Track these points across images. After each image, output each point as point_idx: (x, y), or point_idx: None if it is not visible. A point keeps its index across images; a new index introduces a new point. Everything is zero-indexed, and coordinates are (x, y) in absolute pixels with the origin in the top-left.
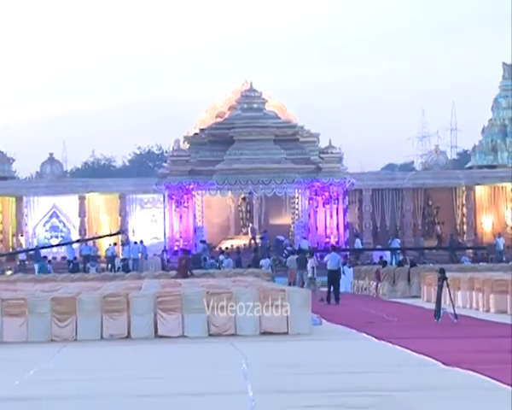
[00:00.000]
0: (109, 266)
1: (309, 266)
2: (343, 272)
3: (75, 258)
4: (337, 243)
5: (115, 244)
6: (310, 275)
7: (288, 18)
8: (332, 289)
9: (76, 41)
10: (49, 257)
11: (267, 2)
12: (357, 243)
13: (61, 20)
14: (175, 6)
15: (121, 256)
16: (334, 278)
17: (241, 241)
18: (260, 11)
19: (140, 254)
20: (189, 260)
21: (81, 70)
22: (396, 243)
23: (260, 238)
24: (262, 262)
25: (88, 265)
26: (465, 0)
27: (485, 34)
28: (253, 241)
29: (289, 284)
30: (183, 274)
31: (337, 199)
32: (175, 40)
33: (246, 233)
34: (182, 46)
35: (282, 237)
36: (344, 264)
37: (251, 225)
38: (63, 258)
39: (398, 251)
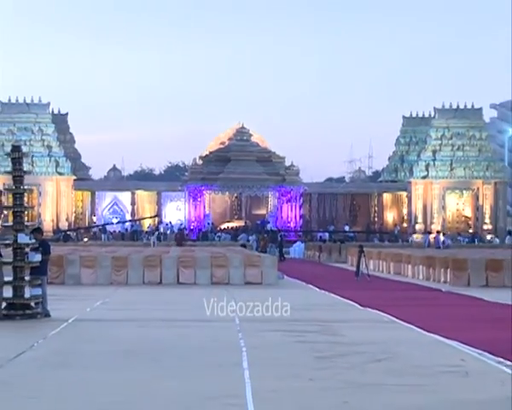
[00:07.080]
0: (149, 237)
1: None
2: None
3: (126, 230)
4: (294, 227)
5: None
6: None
7: (268, 77)
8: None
9: (135, 79)
10: (111, 230)
11: (258, 68)
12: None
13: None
14: (201, 68)
15: (161, 230)
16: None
17: (234, 224)
18: (252, 74)
19: (168, 231)
20: (182, 234)
21: (139, 104)
22: (331, 227)
23: (261, 222)
24: (250, 238)
25: (147, 236)
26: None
27: (388, 93)
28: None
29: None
30: (178, 244)
31: (295, 199)
32: (198, 92)
33: (237, 219)
34: (200, 97)
35: (259, 222)
36: (301, 241)
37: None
38: (119, 232)
39: (333, 233)
